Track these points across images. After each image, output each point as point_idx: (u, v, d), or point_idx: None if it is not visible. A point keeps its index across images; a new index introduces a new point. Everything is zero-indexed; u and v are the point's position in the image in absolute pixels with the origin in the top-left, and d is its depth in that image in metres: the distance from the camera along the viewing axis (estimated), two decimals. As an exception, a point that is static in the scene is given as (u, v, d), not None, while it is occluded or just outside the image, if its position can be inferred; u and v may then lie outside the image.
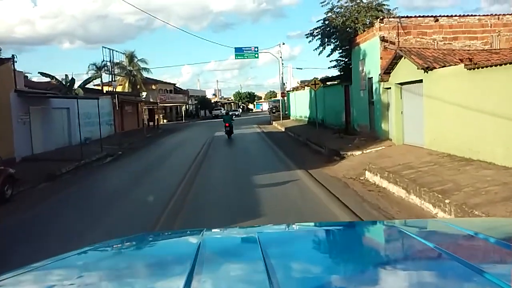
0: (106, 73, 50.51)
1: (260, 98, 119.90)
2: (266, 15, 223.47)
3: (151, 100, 60.47)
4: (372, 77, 15.93)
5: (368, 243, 1.76)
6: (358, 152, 13.79)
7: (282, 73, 40.17)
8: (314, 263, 1.38)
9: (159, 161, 16.73)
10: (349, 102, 19.27)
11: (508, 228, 1.83)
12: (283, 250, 1.53)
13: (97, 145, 23.16)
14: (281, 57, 39.94)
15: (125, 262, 1.61)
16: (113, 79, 50.26)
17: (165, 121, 60.53)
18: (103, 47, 47.04)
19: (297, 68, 41.29)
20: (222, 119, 26.10)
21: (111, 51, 49.51)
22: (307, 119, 29.88)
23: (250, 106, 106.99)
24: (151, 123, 42.56)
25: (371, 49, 15.90)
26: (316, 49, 19.83)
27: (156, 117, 60.46)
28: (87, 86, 33.25)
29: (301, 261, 1.39)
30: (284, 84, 41.00)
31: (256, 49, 34.59)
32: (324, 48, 19.59)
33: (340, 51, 20.18)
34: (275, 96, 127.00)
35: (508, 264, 1.28)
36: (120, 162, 17.67)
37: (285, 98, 41.85)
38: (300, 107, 32.23)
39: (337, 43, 19.04)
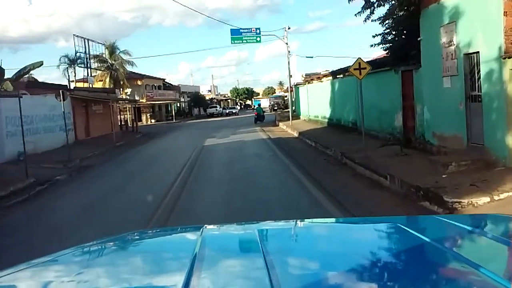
0: (81, 67, 43.54)
1: (257, 94, 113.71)
2: (262, 11, 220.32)
3: (137, 97, 53.40)
4: (477, 52, 8.93)
5: (368, 239, 1.66)
6: (482, 199, 6.79)
7: (289, 63, 33.06)
8: (314, 259, 1.36)
9: (105, 200, 9.79)
10: (413, 96, 12.26)
11: (506, 224, 1.77)
12: (283, 246, 1.54)
13: (36, 162, 16.26)
14: (287, 43, 32.85)
15: (125, 258, 1.60)
16: (89, 74, 43.16)
17: (153, 121, 53.48)
18: (74, 35, 39.57)
19: (306, 57, 33.71)
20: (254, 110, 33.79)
21: (85, 40, 42.34)
22: (326, 120, 22.87)
23: (248, 102, 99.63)
24: (130, 126, 35.61)
25: (473, 3, 8.91)
26: (359, 13, 12.80)
27: (144, 117, 53.44)
28: (52, 81, 26.33)
29: (300, 257, 1.39)
30: (291, 76, 33.90)
31: (257, 31, 27.44)
32: (372, 11, 12.55)
33: (391, 21, 13.21)
34: (274, 92, 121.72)
35: (507, 260, 1.27)
36: (43, 200, 10.62)
37: (292, 93, 34.77)
38: (315, 104, 25.24)
39: (394, 1, 11.96)
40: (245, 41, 27.76)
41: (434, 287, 1.13)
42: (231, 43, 27.29)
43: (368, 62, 16.57)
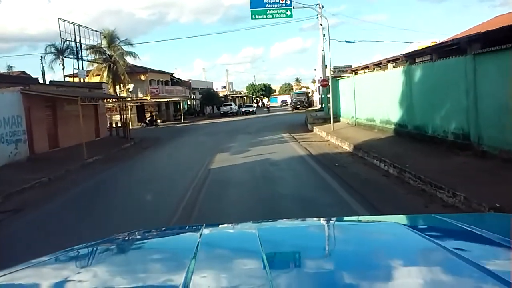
0: (70, 58, 36.83)
1: (274, 91, 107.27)
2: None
3: (140, 94, 46.68)
4: None
5: (368, 239, 1.64)
6: None
7: (323, 48, 25.82)
8: (314, 259, 1.36)
9: None
10: None
11: (506, 223, 1.74)
12: (283, 245, 1.53)
13: None
14: (321, 24, 25.64)
15: (124, 258, 1.59)
16: (80, 66, 36.44)
17: (158, 121, 46.71)
18: (59, 19, 32.71)
19: (346, 42, 26.36)
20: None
21: (75, 26, 35.61)
22: (391, 126, 15.56)
23: (265, 100, 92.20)
24: (129, 128, 28.74)
25: None
26: None
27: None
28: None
29: (300, 256, 1.38)
30: (326, 66, 26.61)
31: (287, 1, 20.11)
32: None
33: None
34: (291, 89, 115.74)
35: (507, 260, 1.25)
36: None
37: (326, 88, 27.42)
38: (369, 102, 17.94)
39: None
40: (270, 16, 20.42)
41: (433, 286, 1.11)
42: (252, 18, 20.15)
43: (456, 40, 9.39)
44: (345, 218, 3.30)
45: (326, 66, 26.35)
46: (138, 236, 1.90)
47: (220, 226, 2.23)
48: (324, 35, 25.75)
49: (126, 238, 1.84)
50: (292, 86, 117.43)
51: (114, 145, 21.02)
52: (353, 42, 25.16)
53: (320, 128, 21.45)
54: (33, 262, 1.41)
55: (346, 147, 14.92)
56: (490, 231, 1.48)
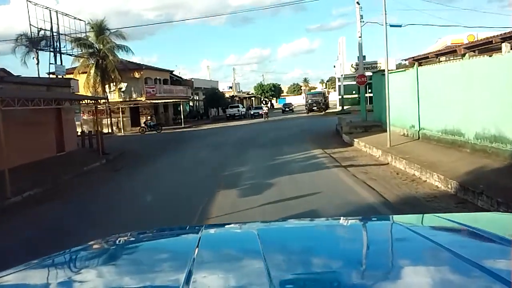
0: (46, 51, 30.90)
1: (282, 91, 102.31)
2: (285, 8, 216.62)
3: (134, 94, 40.77)
4: None
5: (368, 239, 1.62)
6: None
7: (361, 34, 19.68)
8: (314, 259, 1.34)
9: None
10: None
11: (507, 222, 1.72)
12: (283, 246, 1.51)
13: None
14: (358, 2, 19.51)
15: (124, 258, 1.57)
16: (58, 61, 30.54)
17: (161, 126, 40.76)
18: (28, 1, 26.72)
19: (391, 26, 20.18)
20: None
21: (50, 12, 29.65)
22: (508, 147, 9.34)
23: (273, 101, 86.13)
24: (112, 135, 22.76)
25: None
26: None
27: (143, 121, 40.07)
28: None
29: (300, 257, 1.37)
30: (363, 58, 20.48)
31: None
32: None
33: None
34: (299, 89, 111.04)
35: (507, 259, 1.19)
36: None
37: (363, 87, 21.20)
38: (446, 106, 11.78)
39: None
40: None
41: (433, 286, 1.09)
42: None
43: None
44: (345, 219, 2.77)
45: (364, 57, 20.19)
46: (139, 237, 1.85)
47: (220, 226, 2.17)
48: (361, 16, 19.61)
49: (127, 238, 1.78)
50: (301, 86, 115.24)
51: (76, 164, 15.02)
52: (400, 26, 19.05)
53: (365, 141, 15.30)
54: (33, 263, 1.39)
55: (437, 181, 8.78)
56: (490, 230, 1.46)
